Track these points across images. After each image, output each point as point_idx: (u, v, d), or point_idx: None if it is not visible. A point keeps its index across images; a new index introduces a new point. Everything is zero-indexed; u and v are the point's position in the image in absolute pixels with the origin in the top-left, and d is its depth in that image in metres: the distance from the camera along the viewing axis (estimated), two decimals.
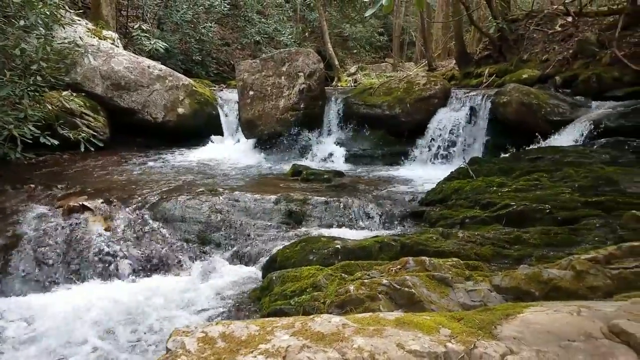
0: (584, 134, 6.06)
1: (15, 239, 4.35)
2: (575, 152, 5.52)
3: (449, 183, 5.49)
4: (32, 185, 5.60)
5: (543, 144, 6.33)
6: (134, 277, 4.20)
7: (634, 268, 2.49)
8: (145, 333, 3.31)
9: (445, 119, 7.61)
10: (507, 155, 6.25)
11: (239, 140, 8.87)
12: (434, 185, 5.74)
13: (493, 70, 9.43)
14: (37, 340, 3.22)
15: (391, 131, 8.10)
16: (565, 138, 6.24)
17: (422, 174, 7.01)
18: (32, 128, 5.35)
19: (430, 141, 7.63)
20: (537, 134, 6.47)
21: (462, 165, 6.02)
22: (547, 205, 4.23)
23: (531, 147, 6.29)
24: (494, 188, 4.94)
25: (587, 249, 3.29)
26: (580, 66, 7.82)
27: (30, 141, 5.34)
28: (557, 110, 6.62)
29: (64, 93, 7.48)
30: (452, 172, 5.90)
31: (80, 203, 4.82)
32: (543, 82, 8.08)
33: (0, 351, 3.09)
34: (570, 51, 8.30)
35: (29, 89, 5.68)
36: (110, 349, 3.13)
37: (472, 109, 7.46)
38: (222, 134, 9.13)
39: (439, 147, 7.52)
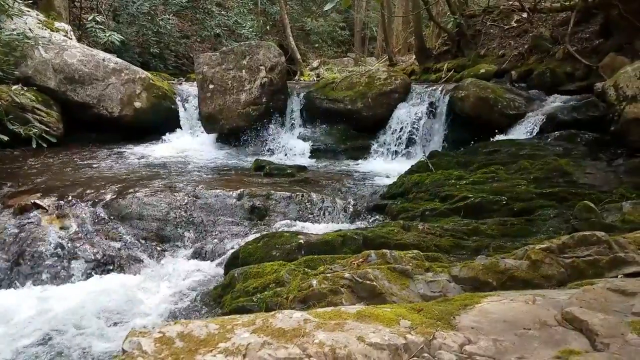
0: (539, 127, 6.26)
1: None
2: (530, 145, 5.70)
3: (409, 176, 5.56)
4: None
5: (499, 137, 6.49)
6: (89, 277, 4.05)
7: (585, 257, 2.59)
8: (100, 335, 3.20)
9: (406, 114, 7.71)
10: (465, 148, 6.37)
11: (199, 135, 8.70)
12: (395, 179, 5.80)
13: (452, 65, 9.61)
14: None
15: (353, 125, 8.14)
16: (521, 131, 6.43)
17: (384, 167, 7.08)
18: None
19: (392, 135, 7.71)
20: (495, 127, 6.62)
21: (422, 159, 6.11)
22: (503, 197, 4.35)
23: (488, 140, 6.43)
24: (453, 181, 5.05)
25: (542, 239, 3.41)
26: (535, 61, 8.07)
27: None
28: (513, 104, 6.81)
29: (14, 87, 7.16)
30: (412, 166, 5.99)
31: (33, 201, 4.64)
32: (500, 77, 8.30)
33: None
34: (526, 46, 8.56)
35: None
36: (63, 349, 3.02)
37: (431, 103, 7.57)
38: (181, 128, 8.92)
39: (399, 141, 7.60)
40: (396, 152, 7.60)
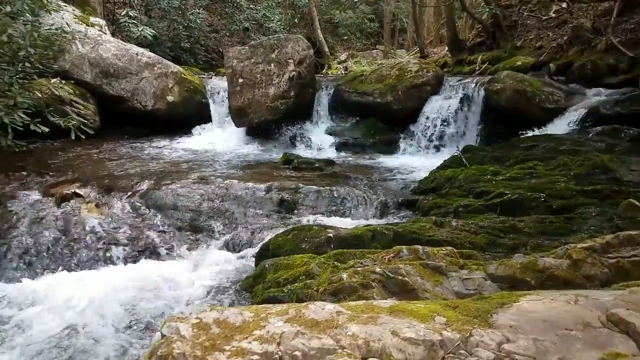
0: (579, 122, 6.04)
1: (9, 226, 4.34)
2: (571, 140, 5.50)
3: (442, 171, 5.46)
4: (24, 173, 5.58)
5: (537, 132, 6.30)
6: (126, 264, 4.18)
7: (631, 257, 2.49)
8: (138, 319, 3.29)
9: (438, 107, 7.56)
10: (501, 143, 6.20)
11: (228, 129, 8.77)
12: (426, 174, 5.72)
13: (486, 58, 9.39)
14: (32, 325, 3.20)
15: (383, 119, 8.04)
16: (560, 126, 6.22)
17: (415, 162, 6.99)
18: (22, 115, 5.28)
19: (423, 129, 7.59)
20: (532, 121, 6.44)
21: (456, 154, 5.99)
22: (542, 194, 4.22)
23: (526, 135, 6.26)
24: (488, 176, 4.93)
25: (583, 237, 3.29)
26: (575, 53, 7.80)
27: (21, 129, 5.26)
28: (552, 98, 6.60)
29: (53, 80, 7.38)
30: (445, 161, 5.87)
31: (73, 191, 4.80)
32: (537, 70, 8.07)
33: None
34: (565, 38, 8.27)
35: (17, 76, 5.62)
36: (104, 333, 3.12)
37: (465, 96, 7.40)
38: (211, 122, 9.03)
39: (431, 135, 7.47)
40: (427, 147, 7.47)
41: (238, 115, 8.42)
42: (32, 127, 5.33)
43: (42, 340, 3.06)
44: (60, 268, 4.05)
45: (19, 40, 5.54)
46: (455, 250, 3.06)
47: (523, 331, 1.78)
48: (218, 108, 9.11)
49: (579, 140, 5.49)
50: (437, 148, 7.38)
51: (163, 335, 1.89)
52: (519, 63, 8.28)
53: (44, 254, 4.15)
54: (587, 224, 3.68)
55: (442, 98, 7.72)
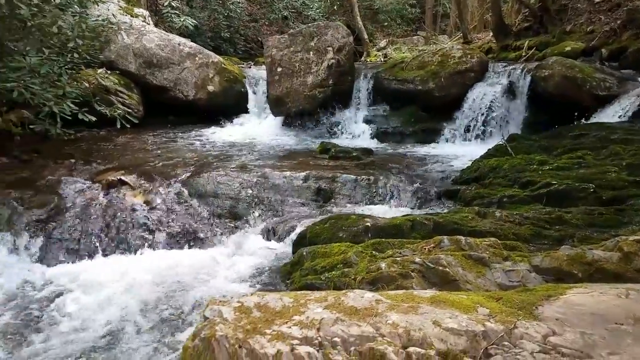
0: (633, 110, 5.73)
1: (59, 211, 4.53)
2: (623, 129, 5.24)
3: (485, 161, 5.32)
4: (73, 160, 5.81)
5: (587, 120, 6.04)
6: (169, 249, 4.32)
7: None
8: (181, 301, 3.40)
9: (482, 94, 7.33)
10: (548, 132, 5.97)
11: (267, 118, 8.83)
12: (468, 164, 5.59)
13: (533, 43, 9.02)
14: (79, 306, 3.36)
15: (423, 107, 7.86)
16: (612, 114, 5.93)
17: (456, 151, 6.83)
18: (71, 105, 5.45)
19: (466, 117, 7.38)
20: (581, 109, 6.16)
21: (500, 142, 5.81)
22: (591, 185, 4.06)
23: (575, 123, 6.01)
24: (534, 166, 4.77)
25: (634, 230, 3.15)
26: (630, 38, 7.39)
27: (70, 117, 5.46)
28: (604, 85, 6.27)
29: (99, 71, 7.60)
30: (489, 150, 5.71)
31: (118, 177, 4.97)
32: (588, 55, 7.70)
33: (42, 316, 3.22)
34: (619, 22, 7.84)
35: (66, 66, 5.80)
36: (147, 314, 3.25)
37: (510, 83, 7.16)
38: (250, 111, 9.12)
39: (474, 123, 7.25)
40: (470, 135, 7.27)
41: (276, 104, 8.46)
42: (80, 116, 5.50)
43: (86, 320, 3.20)
44: (106, 252, 4.22)
45: (67, 31, 5.71)
46: (499, 242, 3.00)
47: (570, 324, 1.73)
48: (256, 97, 9.19)
49: (632, 129, 5.22)
50: (481, 137, 7.17)
51: (205, 318, 1.94)
52: (568, 48, 7.91)
53: (91, 238, 4.32)
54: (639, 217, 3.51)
55: (487, 85, 7.48)
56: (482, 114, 7.20)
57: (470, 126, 7.30)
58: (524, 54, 8.83)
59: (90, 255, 4.18)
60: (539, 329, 1.70)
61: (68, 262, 4.08)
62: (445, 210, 4.47)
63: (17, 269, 3.90)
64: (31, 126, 5.74)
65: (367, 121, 8.17)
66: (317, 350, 1.66)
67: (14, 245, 4.13)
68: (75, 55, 5.88)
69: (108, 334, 3.04)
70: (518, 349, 1.60)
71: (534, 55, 8.56)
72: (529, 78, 6.90)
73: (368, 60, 13.16)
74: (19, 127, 6.24)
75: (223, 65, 9.22)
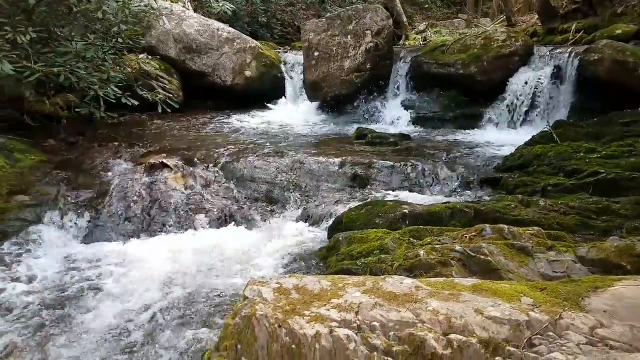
0: None
1: (103, 192, 4.71)
2: None
3: (530, 148, 5.15)
4: (116, 143, 5.98)
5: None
6: (208, 231, 4.40)
7: None
8: (220, 281, 3.49)
9: (527, 79, 7.06)
10: (596, 118, 5.73)
11: (303, 103, 8.82)
12: (511, 151, 5.43)
13: (581, 26, 8.60)
14: (122, 283, 3.49)
15: (465, 92, 7.64)
16: None
17: (499, 138, 6.63)
18: (115, 89, 5.60)
19: (509, 103, 7.14)
20: (632, 95, 5.86)
21: (546, 129, 5.61)
22: None
23: (625, 110, 5.72)
24: (582, 154, 4.60)
25: None
26: None
27: (114, 101, 5.62)
28: None
29: (141, 56, 7.75)
30: (534, 137, 5.52)
31: (160, 161, 5.08)
32: None
33: (88, 293, 3.36)
34: None
35: (110, 51, 5.93)
36: (188, 291, 3.35)
37: (557, 68, 6.87)
38: (286, 96, 9.12)
39: (519, 109, 7.02)
40: (514, 122, 7.03)
41: (312, 89, 8.43)
42: (123, 100, 5.65)
43: (128, 294, 3.33)
44: (148, 232, 4.35)
45: (111, 17, 5.85)
46: (543, 231, 2.92)
47: (619, 317, 1.68)
48: (293, 83, 9.20)
49: None
50: (525, 123, 6.93)
51: (245, 298, 1.98)
52: (619, 32, 7.50)
53: (134, 219, 4.46)
54: None
55: (532, 69, 7.20)
56: (527, 100, 6.95)
57: (513, 112, 7.07)
58: (571, 38, 8.44)
59: (133, 235, 4.31)
60: (586, 321, 1.65)
61: (112, 242, 4.22)
62: (487, 199, 4.37)
63: (63, 247, 4.06)
64: (77, 110, 5.93)
65: (405, 106, 8.02)
66: (356, 334, 1.67)
67: (60, 224, 4.30)
68: (119, 40, 6.00)
69: (150, 310, 3.14)
70: (563, 340, 1.56)
71: (582, 39, 8.17)
72: (577, 62, 6.61)
73: (407, 44, 12.89)
74: (65, 110, 6.44)
75: (260, 50, 9.25)
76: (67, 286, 3.46)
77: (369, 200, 4.55)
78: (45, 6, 5.51)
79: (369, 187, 5.07)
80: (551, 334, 1.60)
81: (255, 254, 3.88)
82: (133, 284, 3.46)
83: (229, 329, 1.87)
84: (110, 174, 5.02)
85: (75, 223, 4.35)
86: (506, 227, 2.89)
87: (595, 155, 4.49)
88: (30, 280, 3.51)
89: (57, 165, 5.13)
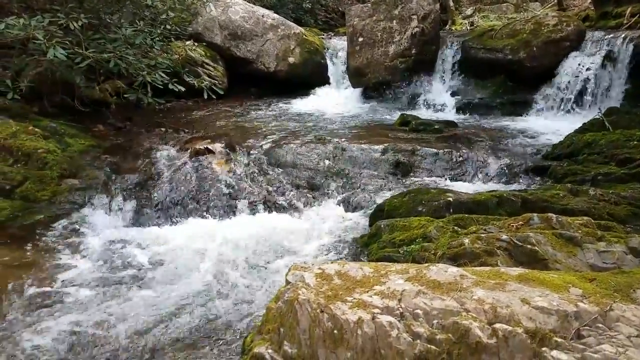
0: None
1: (150, 176, 4.85)
2: None
3: (580, 136, 4.99)
4: (163, 129, 6.15)
5: None
6: (252, 215, 4.48)
7: None
8: (263, 265, 3.58)
9: (578, 64, 6.77)
10: None
11: (346, 89, 8.78)
12: (560, 138, 5.26)
13: (636, 10, 8.12)
14: (170, 266, 3.62)
15: (513, 78, 7.41)
16: None
17: (548, 125, 6.41)
18: (162, 75, 5.73)
19: (559, 89, 6.88)
20: None
21: (597, 116, 5.39)
22: None
23: None
24: (635, 142, 4.41)
25: None
26: None
27: (161, 87, 5.75)
28: None
29: (187, 43, 7.91)
30: (584, 124, 5.33)
31: (205, 146, 5.19)
32: None
33: (138, 274, 3.50)
34: None
35: (158, 38, 6.06)
36: (231, 274, 3.45)
37: (610, 53, 6.56)
38: (329, 83, 9.09)
39: (569, 95, 6.75)
40: (564, 108, 6.77)
41: (356, 75, 8.37)
42: (170, 86, 5.77)
43: (176, 275, 3.46)
44: (194, 216, 4.46)
45: (159, 4, 5.98)
46: (593, 221, 2.83)
47: None
48: (336, 68, 9.14)
49: None
50: (575, 110, 6.67)
51: (288, 282, 2.02)
52: None
53: (180, 203, 4.58)
54: None
55: (584, 55, 6.90)
56: (578, 86, 6.68)
57: (563, 98, 6.80)
58: (625, 22, 7.97)
59: (178, 220, 4.42)
60: (637, 313, 1.61)
61: (159, 225, 4.33)
62: (535, 187, 4.26)
63: (112, 229, 4.19)
64: (125, 95, 6.13)
65: (451, 92, 7.86)
66: (399, 321, 1.67)
67: (109, 207, 4.43)
68: (167, 27, 6.15)
69: (195, 290, 3.25)
70: (613, 332, 1.53)
71: (637, 23, 7.72)
72: (631, 47, 6.31)
73: (453, 28, 12.53)
74: (114, 96, 6.67)
75: (304, 36, 9.24)
76: (116, 267, 3.59)
77: (411, 187, 4.52)
78: None
79: (411, 174, 5.03)
80: (600, 325, 1.57)
81: (297, 239, 3.94)
82: (178, 267, 3.58)
83: (272, 313, 1.92)
84: (156, 158, 5.16)
85: (122, 207, 4.48)
86: (554, 216, 2.82)
87: None
88: (78, 262, 3.64)
89: (106, 149, 5.31)
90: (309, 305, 1.79)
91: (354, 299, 1.80)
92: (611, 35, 6.91)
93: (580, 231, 2.66)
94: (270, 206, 4.58)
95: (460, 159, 5.07)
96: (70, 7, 5.13)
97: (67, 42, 4.94)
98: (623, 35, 6.69)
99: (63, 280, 3.37)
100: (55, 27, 4.87)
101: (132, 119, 6.43)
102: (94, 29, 5.53)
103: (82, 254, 3.75)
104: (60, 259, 3.64)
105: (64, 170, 4.63)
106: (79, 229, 4.07)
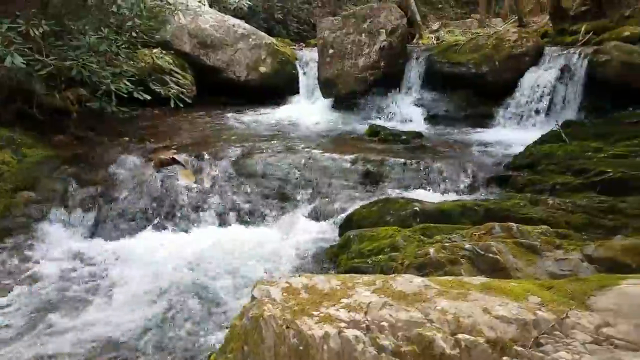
0: None
1: (112, 187, 4.72)
2: None
3: (539, 147, 5.18)
4: (127, 139, 5.99)
5: None
6: (218, 227, 4.43)
7: None
8: (228, 280, 3.51)
9: (537, 79, 7.06)
10: (604, 118, 5.74)
11: (317, 100, 8.81)
12: (521, 149, 5.44)
13: (590, 27, 8.53)
14: (129, 280, 3.51)
15: (476, 91, 7.64)
16: None
17: (509, 137, 6.61)
18: (127, 83, 5.59)
19: (520, 102, 7.13)
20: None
21: (555, 129, 5.62)
22: None
23: (633, 110, 5.73)
24: (589, 153, 4.62)
25: None
26: None
27: (125, 96, 5.62)
28: None
29: (155, 50, 7.77)
30: (543, 136, 5.55)
31: (171, 156, 5.11)
32: None
33: (96, 288, 3.40)
34: None
35: (123, 45, 5.91)
36: (195, 291, 3.35)
37: (566, 68, 6.86)
38: (301, 93, 9.12)
39: (528, 108, 7.01)
40: (524, 121, 7.02)
41: (326, 86, 8.44)
42: (135, 94, 5.61)
43: (136, 293, 3.33)
44: (157, 229, 4.37)
45: (125, 11, 5.83)
46: (551, 230, 2.94)
47: (624, 315, 1.69)
48: (307, 79, 9.17)
49: None
50: (534, 122, 6.91)
51: (253, 298, 1.97)
52: (627, 33, 7.44)
53: (143, 215, 4.47)
54: None
55: (542, 69, 7.18)
56: (537, 99, 6.94)
57: (523, 111, 7.06)
58: (580, 39, 8.37)
59: (142, 232, 4.31)
60: (592, 320, 1.67)
61: (120, 238, 4.22)
62: (497, 197, 4.39)
63: (69, 243, 4.05)
64: (88, 104, 5.94)
65: (418, 104, 8.03)
66: (365, 334, 1.66)
67: (67, 221, 4.29)
68: (133, 34, 5.99)
69: (155, 309, 3.14)
70: (569, 339, 1.59)
71: (591, 40, 8.11)
72: (586, 63, 6.61)
73: (420, 42, 12.81)
74: (75, 105, 6.39)
75: (275, 46, 9.26)
76: (72, 281, 3.46)
77: (380, 197, 4.57)
78: None
79: (380, 184, 5.08)
80: (557, 332, 1.62)
81: (264, 251, 3.89)
82: (138, 282, 3.47)
83: (236, 330, 1.86)
84: (119, 169, 5.01)
85: (82, 219, 4.34)
86: (515, 225, 2.92)
87: (603, 155, 4.52)
88: (31, 277, 3.49)
89: (66, 160, 5.13)
90: (274, 321, 1.75)
91: (321, 313, 1.77)
92: (567, 51, 7.23)
93: (539, 240, 2.76)
94: (238, 217, 4.54)
95: (427, 169, 5.17)
96: (33, 12, 4.98)
97: (26, 49, 4.79)
98: (578, 51, 7.01)
99: (8, 303, 3.20)
100: (14, 33, 4.71)
101: (94, 129, 6.24)
102: (56, 36, 5.38)
103: (33, 271, 3.59)
104: (9, 275, 3.48)
105: (18, 183, 4.46)
106: (32, 244, 3.92)
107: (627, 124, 5.21)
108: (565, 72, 6.86)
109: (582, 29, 8.59)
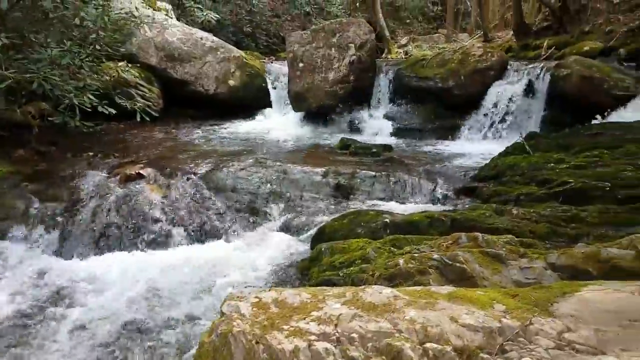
0: None
1: (75, 204, 4.58)
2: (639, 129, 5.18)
3: (503, 158, 5.31)
4: (91, 153, 5.84)
5: (605, 119, 5.99)
6: (187, 244, 4.34)
7: None
8: (197, 296, 3.44)
9: (501, 92, 7.30)
10: (566, 130, 5.94)
11: (287, 113, 8.87)
12: (487, 161, 5.57)
13: (552, 42, 8.91)
14: (92, 300, 3.40)
15: (444, 105, 7.84)
16: (629, 114, 5.85)
17: (475, 149, 6.79)
18: (91, 97, 5.47)
19: (485, 115, 7.34)
20: (599, 108, 6.12)
21: (518, 141, 5.78)
22: (607, 183, 4.03)
23: (592, 122, 5.97)
24: (552, 164, 4.75)
25: None
26: None
27: (89, 110, 5.49)
28: (621, 85, 6.21)
29: (120, 64, 7.64)
30: (507, 148, 5.69)
31: (137, 171, 4.99)
32: (606, 55, 7.54)
33: (54, 311, 3.25)
34: (637, 22, 7.70)
35: (87, 58, 5.79)
36: (163, 309, 3.28)
37: (530, 82, 7.11)
38: (271, 106, 9.16)
39: (493, 121, 7.23)
40: (489, 133, 7.24)
41: (297, 100, 8.49)
42: (100, 108, 5.50)
43: (101, 314, 3.22)
44: (123, 246, 4.24)
45: (89, 23, 5.69)
46: (516, 239, 3.01)
47: (584, 321, 1.75)
48: (277, 93, 9.22)
49: None
50: (499, 134, 7.13)
51: (223, 313, 1.95)
52: (586, 48, 7.81)
53: (108, 232, 4.33)
54: None
55: (506, 83, 7.44)
56: (501, 112, 7.17)
57: (489, 124, 7.27)
58: (543, 53, 8.72)
59: (106, 250, 4.19)
60: (554, 326, 1.72)
61: (83, 257, 4.09)
62: (464, 208, 4.48)
63: (30, 262, 3.91)
64: (50, 118, 5.79)
65: (387, 118, 8.18)
66: (335, 346, 1.66)
67: (28, 239, 4.16)
68: (97, 47, 5.88)
69: (121, 328, 3.05)
70: (533, 345, 1.63)
71: (553, 55, 8.47)
72: (548, 77, 6.86)
73: (389, 57, 13.09)
74: (37, 119, 6.26)
75: (244, 59, 9.27)
76: (32, 302, 3.34)
77: (351, 210, 4.60)
78: (19, 11, 5.39)
79: (351, 196, 5.11)
80: (522, 339, 1.66)
81: (235, 266, 3.84)
82: (102, 300, 3.37)
83: (205, 347, 1.81)
84: (82, 185, 4.86)
85: (44, 238, 4.20)
86: (480, 235, 2.98)
87: (565, 166, 4.65)
88: None
89: (27, 176, 4.97)
90: (243, 337, 1.72)
91: (291, 327, 1.76)
92: (530, 66, 7.50)
93: (504, 249, 2.82)
94: (208, 233, 4.47)
95: (396, 181, 5.23)
96: None
97: None
98: (541, 66, 7.28)
99: None
100: None
101: (57, 144, 6.08)
102: (16, 49, 5.23)
103: None
104: None
105: None
106: None
107: (587, 136, 5.38)
108: (528, 85, 7.10)
109: (545, 43, 8.95)
